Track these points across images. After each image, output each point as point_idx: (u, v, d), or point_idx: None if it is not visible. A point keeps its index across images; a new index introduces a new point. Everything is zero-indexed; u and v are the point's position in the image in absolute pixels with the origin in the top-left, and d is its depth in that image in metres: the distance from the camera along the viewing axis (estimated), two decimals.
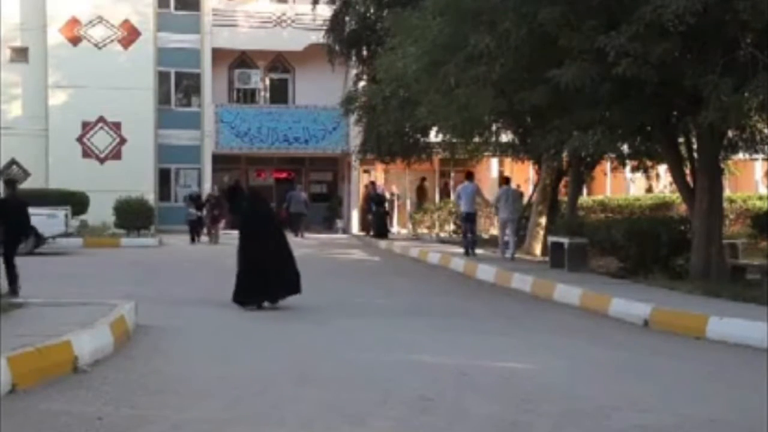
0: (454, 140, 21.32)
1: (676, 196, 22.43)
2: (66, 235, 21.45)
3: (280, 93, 32.46)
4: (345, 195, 32.05)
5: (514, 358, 7.89)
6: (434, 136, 22.96)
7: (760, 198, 26.13)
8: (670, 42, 10.85)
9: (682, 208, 19.46)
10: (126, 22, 29.80)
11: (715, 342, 8.83)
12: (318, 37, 27.28)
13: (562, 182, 20.90)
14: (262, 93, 32.28)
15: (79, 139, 29.38)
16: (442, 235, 26.68)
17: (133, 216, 25.07)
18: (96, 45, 29.57)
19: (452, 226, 26.46)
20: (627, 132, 13.90)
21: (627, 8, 11.04)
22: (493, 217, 23.39)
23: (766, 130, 14.48)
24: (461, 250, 19.10)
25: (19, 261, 11.71)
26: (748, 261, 14.80)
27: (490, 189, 26.83)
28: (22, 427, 5.30)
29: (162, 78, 30.57)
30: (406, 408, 5.83)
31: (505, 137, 20.96)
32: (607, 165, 24.02)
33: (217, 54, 30.76)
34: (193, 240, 24.77)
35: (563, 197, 21.34)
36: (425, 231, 27.89)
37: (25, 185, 28.29)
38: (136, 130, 29.46)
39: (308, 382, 6.70)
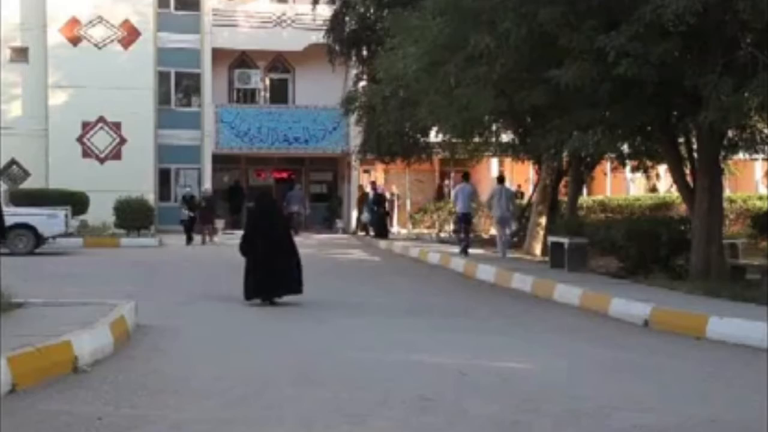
0: (454, 140, 21.35)
1: (676, 196, 22.45)
2: (66, 235, 21.46)
3: (280, 93, 32.46)
4: (345, 195, 32.04)
5: (514, 358, 7.89)
6: (434, 136, 22.98)
7: (760, 198, 26.17)
8: (670, 42, 10.85)
9: (682, 208, 19.47)
10: (126, 22, 29.78)
11: (715, 342, 8.83)
12: (318, 37, 27.29)
13: (562, 182, 20.91)
14: (262, 93, 32.28)
15: (79, 139, 29.37)
16: (442, 235, 26.70)
17: (133, 216, 25.04)
18: (96, 45, 29.55)
19: (452, 226, 26.49)
20: (627, 132, 13.91)
21: (627, 8, 11.04)
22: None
23: (766, 130, 14.47)
24: (465, 249, 19.11)
25: (20, 261, 11.72)
26: (748, 261, 14.80)
27: (490, 189, 26.82)
28: (22, 427, 5.30)
29: (162, 78, 30.55)
30: (406, 408, 5.83)
31: (505, 137, 20.98)
32: (607, 165, 24.06)
33: (217, 54, 30.75)
34: (188, 241, 24.47)
35: (563, 197, 21.34)
36: (425, 231, 27.91)
37: (25, 185, 28.43)
38: (136, 130, 29.45)
39: (308, 381, 6.70)
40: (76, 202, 24.37)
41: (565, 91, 11.59)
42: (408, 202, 31.05)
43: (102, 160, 29.54)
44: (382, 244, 24.61)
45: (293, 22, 30.97)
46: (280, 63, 32.49)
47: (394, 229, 29.29)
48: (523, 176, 30.40)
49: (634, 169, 21.46)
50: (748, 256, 15.48)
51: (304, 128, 30.65)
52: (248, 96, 31.97)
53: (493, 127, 19.01)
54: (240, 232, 13.02)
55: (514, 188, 30.27)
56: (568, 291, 12.25)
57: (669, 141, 14.02)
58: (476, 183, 30.61)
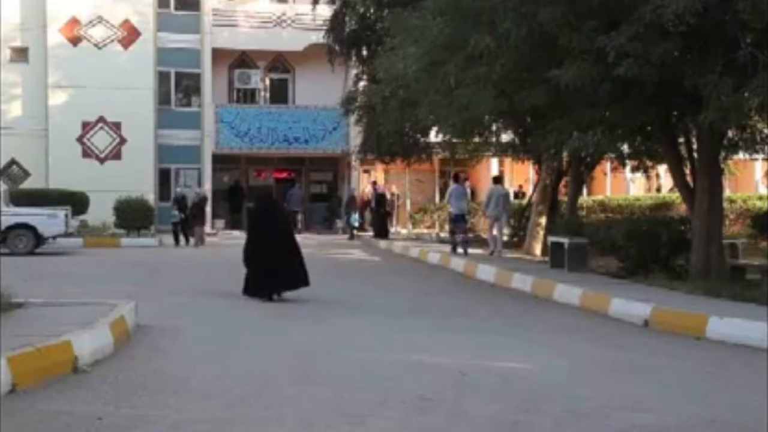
0: (454, 140, 21.36)
1: (676, 196, 22.45)
2: (66, 235, 21.45)
3: (280, 93, 32.46)
4: (345, 195, 32.02)
5: (514, 358, 7.89)
6: (434, 136, 22.99)
7: (760, 198, 26.17)
8: (670, 42, 10.86)
9: (682, 208, 19.47)
10: (126, 22, 29.78)
11: (715, 342, 8.83)
12: (318, 37, 27.30)
13: (562, 182, 20.92)
14: (262, 93, 32.28)
15: (79, 139, 29.37)
16: (443, 235, 26.69)
17: (133, 216, 25.03)
18: (96, 45, 29.55)
19: (448, 226, 26.51)
20: (627, 132, 13.92)
21: (627, 8, 11.05)
22: None
23: (766, 130, 14.48)
24: (461, 249, 19.13)
25: (20, 261, 11.72)
26: (748, 261, 14.80)
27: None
28: (22, 427, 5.30)
29: (162, 78, 30.55)
30: (406, 408, 5.83)
31: (505, 137, 20.99)
32: (607, 165, 24.06)
33: (217, 54, 30.75)
34: (176, 242, 23.97)
35: (563, 197, 21.34)
36: (425, 231, 27.90)
37: (25, 185, 28.43)
38: (136, 130, 29.45)
39: (308, 381, 6.70)
40: (76, 202, 24.38)
41: (565, 91, 11.60)
42: (408, 202, 31.05)
43: (102, 160, 29.54)
44: (382, 244, 24.60)
45: (293, 22, 30.98)
46: (280, 63, 32.49)
47: (394, 229, 29.29)
48: (523, 176, 30.40)
49: (634, 169, 21.47)
50: (748, 256, 15.48)
51: (304, 128, 30.66)
52: (248, 96, 31.97)
53: (493, 127, 19.02)
54: (238, 233, 13.21)
55: (515, 188, 30.47)
56: (568, 291, 12.25)
57: (669, 141, 14.03)
58: (475, 183, 30.79)
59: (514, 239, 22.19)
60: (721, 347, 8.60)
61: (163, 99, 30.61)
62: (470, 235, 21.09)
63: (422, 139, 24.71)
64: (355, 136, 28.03)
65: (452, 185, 21.20)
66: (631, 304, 10.51)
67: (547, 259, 16.59)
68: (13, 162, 29.12)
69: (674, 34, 10.67)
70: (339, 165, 32.88)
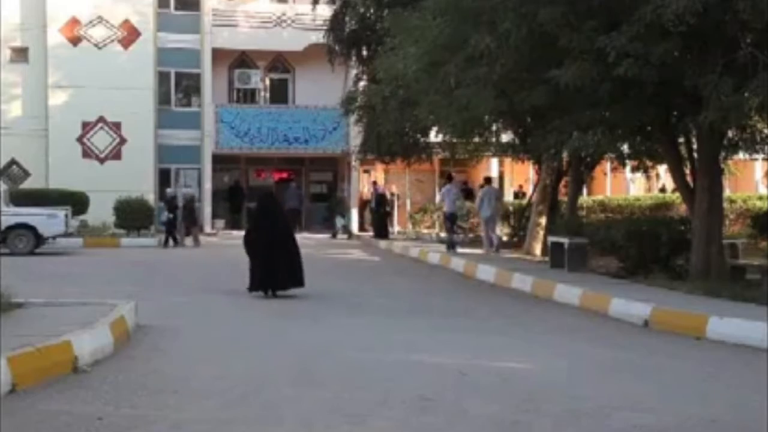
0: (454, 140, 21.35)
1: (676, 196, 22.44)
2: (66, 235, 21.46)
3: (280, 93, 32.44)
4: (345, 195, 32.02)
5: (514, 358, 7.89)
6: (434, 136, 22.97)
7: (760, 198, 26.14)
8: (670, 42, 10.85)
9: (682, 208, 19.47)
10: (126, 22, 29.76)
11: (715, 342, 8.83)
12: (318, 37, 27.27)
13: (562, 182, 20.91)
14: (262, 93, 32.26)
15: (79, 139, 29.36)
16: (442, 235, 26.66)
17: (133, 216, 25.04)
18: (96, 45, 29.53)
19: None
20: (627, 132, 13.91)
21: (627, 8, 11.04)
22: None
23: (766, 130, 14.47)
24: (461, 249, 19.14)
25: (20, 261, 11.73)
26: (748, 261, 14.79)
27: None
28: (22, 427, 5.30)
29: (162, 78, 30.53)
30: (406, 408, 5.83)
31: (505, 137, 20.98)
32: (607, 165, 24.04)
33: (217, 54, 30.73)
34: (166, 243, 23.60)
35: (563, 197, 21.34)
36: (425, 231, 27.89)
37: (25, 185, 28.42)
38: (136, 130, 29.43)
39: (308, 381, 6.71)
40: (76, 202, 24.37)
41: (565, 91, 11.59)
42: (408, 202, 31.05)
43: (102, 160, 29.53)
44: (382, 244, 24.60)
45: (293, 22, 30.96)
46: (280, 63, 32.48)
47: (394, 229, 29.28)
48: (523, 176, 30.39)
49: (634, 169, 21.44)
50: (748, 256, 15.47)
51: (304, 128, 30.64)
52: (248, 96, 31.95)
53: (493, 127, 19.00)
54: (238, 233, 13.48)
55: (515, 188, 30.47)
56: (568, 291, 12.25)
57: (669, 141, 14.02)
58: (475, 183, 30.77)
59: (514, 239, 22.18)
60: (721, 347, 8.60)
61: (163, 99, 30.60)
62: (470, 234, 21.10)
63: (422, 139, 24.68)
64: (355, 136, 28.01)
65: (446, 185, 21.43)
66: (631, 304, 10.51)
67: (547, 259, 16.59)
68: (13, 162, 29.11)
69: (674, 34, 10.66)
70: (339, 165, 32.87)
